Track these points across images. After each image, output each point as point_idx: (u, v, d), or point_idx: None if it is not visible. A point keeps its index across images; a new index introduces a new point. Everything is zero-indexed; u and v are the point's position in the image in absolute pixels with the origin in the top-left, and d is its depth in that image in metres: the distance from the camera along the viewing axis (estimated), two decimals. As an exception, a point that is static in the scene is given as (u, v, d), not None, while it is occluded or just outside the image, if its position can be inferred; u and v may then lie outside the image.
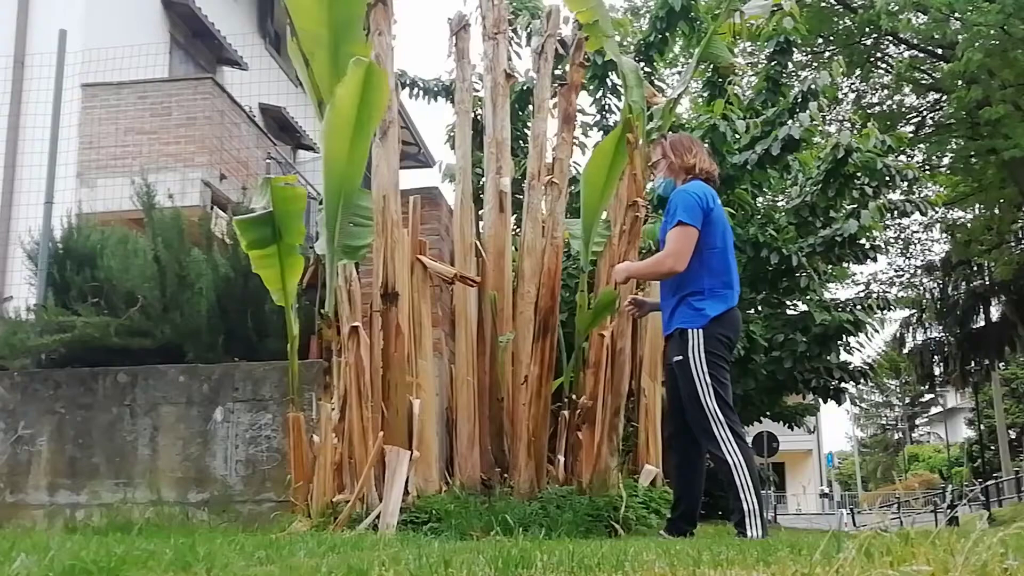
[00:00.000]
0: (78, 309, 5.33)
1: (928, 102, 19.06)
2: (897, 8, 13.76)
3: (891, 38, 16.62)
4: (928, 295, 26.08)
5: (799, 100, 8.57)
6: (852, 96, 19.15)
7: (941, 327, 27.19)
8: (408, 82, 9.30)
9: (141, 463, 4.90)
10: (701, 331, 3.62)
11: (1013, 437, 30.50)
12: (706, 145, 7.91)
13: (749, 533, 3.38)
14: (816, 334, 8.64)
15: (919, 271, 24.89)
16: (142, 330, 5.24)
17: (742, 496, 3.44)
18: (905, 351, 28.17)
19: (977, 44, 13.39)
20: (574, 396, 5.03)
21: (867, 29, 15.87)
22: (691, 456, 3.85)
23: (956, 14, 13.66)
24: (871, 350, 17.90)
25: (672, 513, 3.93)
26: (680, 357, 3.63)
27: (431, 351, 4.62)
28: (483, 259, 5.10)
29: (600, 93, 8.93)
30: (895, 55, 18.20)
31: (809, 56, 17.17)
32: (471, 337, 4.85)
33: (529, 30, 8.40)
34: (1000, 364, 26.89)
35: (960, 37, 13.62)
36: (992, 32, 13.27)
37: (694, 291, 3.67)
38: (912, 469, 39.90)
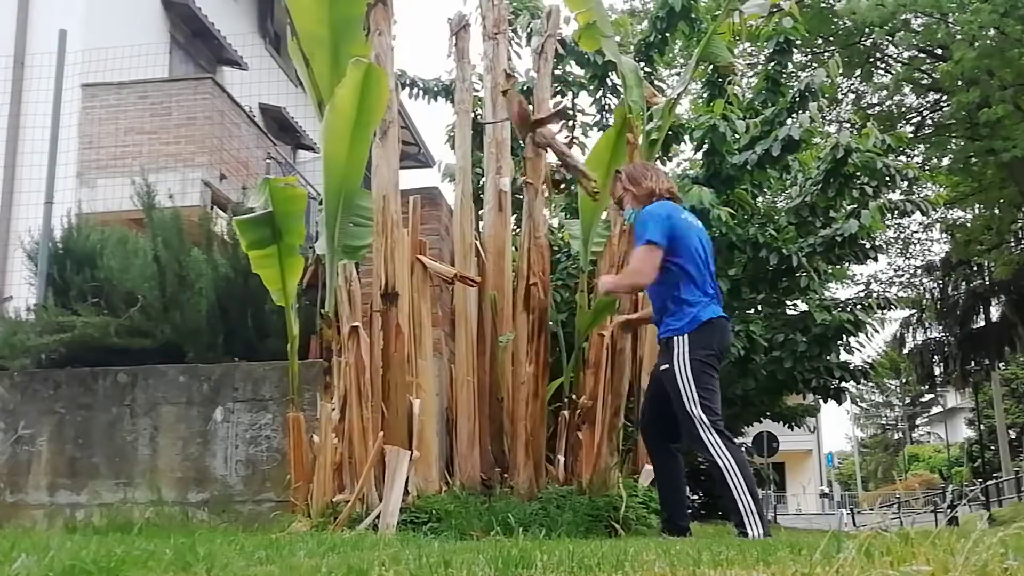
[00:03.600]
0: (78, 309, 5.33)
1: (928, 102, 19.06)
2: (894, 8, 13.71)
3: (890, 38, 16.62)
4: (928, 295, 26.08)
5: (796, 99, 8.56)
6: (852, 96, 19.16)
7: (941, 327, 27.18)
8: (408, 82, 9.29)
9: (141, 463, 4.90)
10: (686, 338, 3.69)
11: (1013, 437, 30.49)
12: (706, 146, 7.98)
13: (750, 533, 3.40)
14: (816, 334, 8.63)
15: (919, 271, 24.90)
16: (142, 330, 5.24)
17: (737, 497, 3.48)
18: (905, 351, 28.16)
19: (976, 44, 13.38)
20: (574, 396, 5.03)
21: (867, 30, 15.86)
22: (666, 458, 3.95)
23: (949, 16, 13.65)
24: (871, 350, 17.91)
25: (663, 514, 3.99)
26: (666, 366, 3.70)
27: (431, 351, 4.62)
28: (483, 259, 5.10)
29: (600, 93, 8.93)
30: (895, 55, 18.20)
31: (809, 57, 17.17)
32: (471, 337, 4.85)
33: (529, 30, 8.39)
34: (1000, 364, 26.88)
35: (959, 37, 13.61)
36: (988, 32, 13.25)
37: (678, 301, 3.75)
38: (912, 469, 39.88)
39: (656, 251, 3.73)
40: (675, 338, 3.69)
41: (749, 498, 3.48)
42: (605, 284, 4.15)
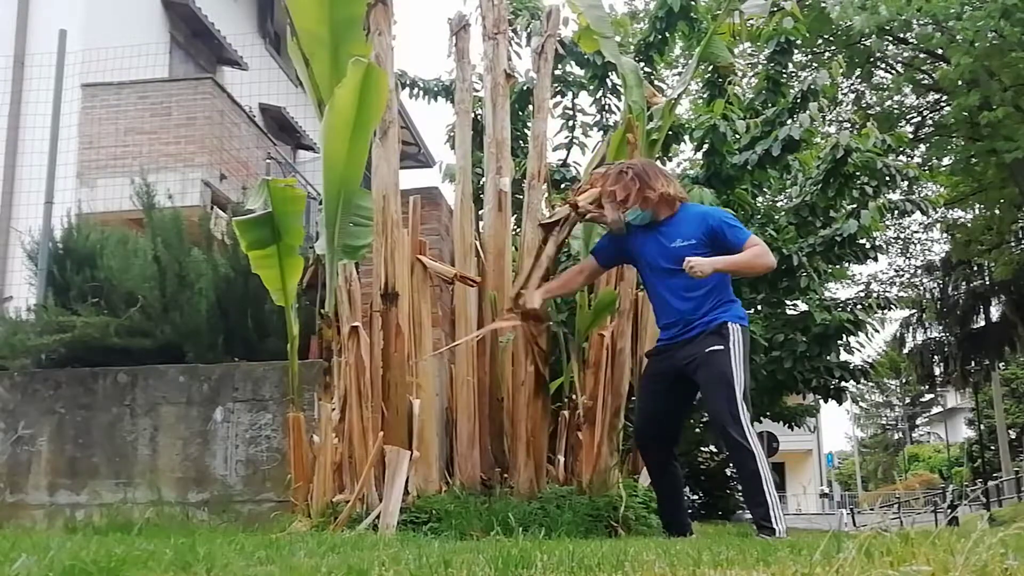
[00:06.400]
0: (78, 309, 5.33)
1: (928, 102, 19.06)
2: (890, 17, 13.67)
3: (890, 38, 16.61)
4: (928, 295, 26.08)
5: (798, 99, 8.56)
6: (852, 96, 19.15)
7: (941, 327, 27.18)
8: (408, 82, 9.29)
9: (141, 463, 4.90)
10: (740, 328, 3.73)
11: (1013, 437, 30.48)
12: (707, 145, 7.97)
13: (777, 529, 3.35)
14: (816, 334, 8.63)
15: (919, 271, 24.90)
16: (142, 330, 5.24)
17: (766, 490, 3.44)
18: (905, 351, 28.15)
19: (976, 45, 13.37)
20: (574, 396, 5.03)
21: (867, 30, 15.85)
22: (669, 470, 3.96)
23: (947, 23, 13.63)
24: (871, 350, 17.86)
25: (663, 521, 4.00)
26: (719, 347, 3.66)
27: (431, 351, 4.62)
28: (483, 259, 5.09)
29: (600, 93, 8.93)
30: (895, 55, 18.19)
31: (809, 57, 17.16)
32: (471, 337, 4.84)
33: (529, 30, 8.39)
34: (1000, 364, 26.87)
35: (959, 38, 13.61)
36: (988, 35, 13.24)
37: (731, 299, 3.83)
38: (912, 469, 39.89)
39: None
40: (730, 324, 3.71)
41: (775, 494, 3.47)
42: (722, 263, 3.76)
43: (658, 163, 4.77)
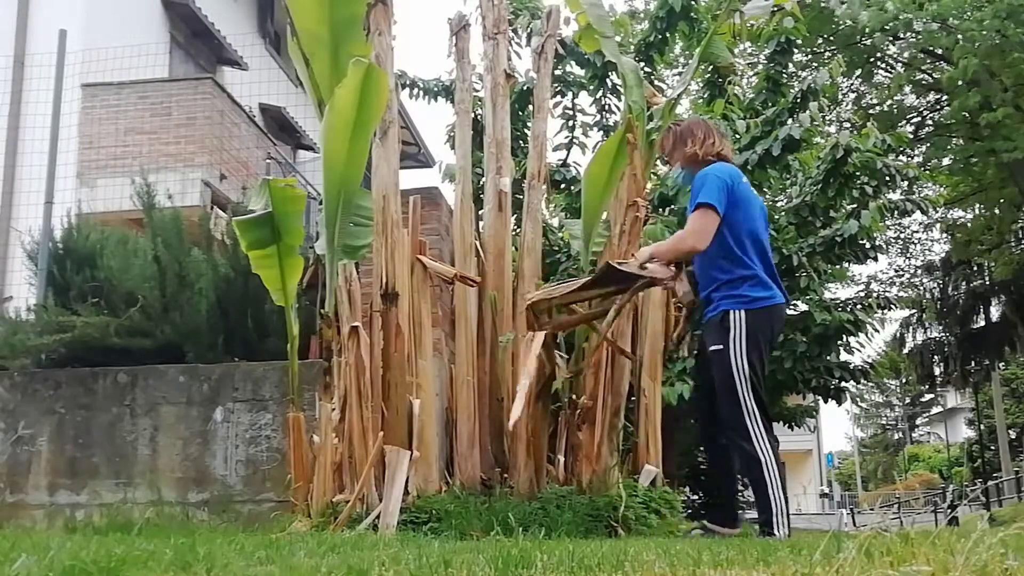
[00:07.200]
0: (78, 309, 5.33)
1: (928, 102, 19.07)
2: (896, 14, 13.69)
3: (891, 38, 16.62)
4: (928, 295, 26.09)
5: (798, 99, 8.56)
6: (852, 96, 19.16)
7: (941, 327, 27.19)
8: (408, 82, 9.28)
9: (141, 463, 4.90)
10: (743, 315, 3.50)
11: (1013, 437, 30.49)
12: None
13: (777, 533, 3.32)
14: (816, 334, 8.63)
15: (919, 271, 24.91)
16: (142, 330, 5.24)
17: (771, 495, 3.38)
18: (905, 351, 28.15)
19: (977, 45, 13.39)
20: (574, 396, 5.03)
21: (866, 29, 15.88)
22: (720, 445, 3.82)
23: (950, 21, 13.64)
24: (871, 350, 17.85)
25: (712, 506, 3.92)
26: (720, 346, 3.52)
27: (431, 351, 4.62)
28: (483, 259, 5.10)
29: (600, 93, 8.93)
30: (895, 55, 18.20)
31: (809, 56, 17.17)
32: (471, 337, 4.85)
33: (529, 30, 8.39)
34: (1000, 364, 26.87)
35: (959, 38, 13.62)
36: (992, 35, 13.25)
37: (740, 276, 3.57)
38: (912, 469, 39.90)
39: (712, 214, 3.51)
40: (732, 313, 3.50)
41: (782, 498, 3.39)
42: (651, 251, 3.71)
43: (708, 120, 4.46)
